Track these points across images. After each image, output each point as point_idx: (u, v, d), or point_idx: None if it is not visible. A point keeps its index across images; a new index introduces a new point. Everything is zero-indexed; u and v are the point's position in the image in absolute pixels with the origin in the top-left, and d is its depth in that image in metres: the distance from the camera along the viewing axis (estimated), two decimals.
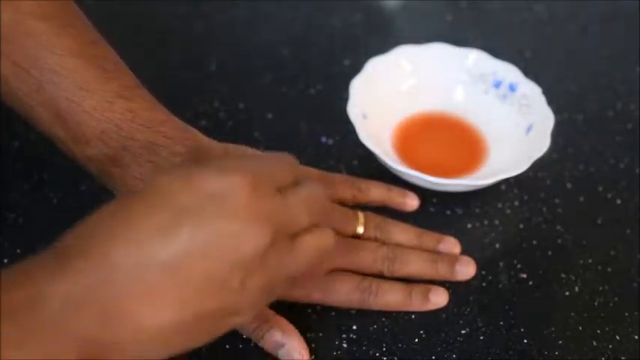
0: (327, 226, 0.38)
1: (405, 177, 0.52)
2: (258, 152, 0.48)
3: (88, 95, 0.42)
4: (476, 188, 0.53)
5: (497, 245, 0.52)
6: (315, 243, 0.37)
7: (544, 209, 0.54)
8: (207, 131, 0.47)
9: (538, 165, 0.53)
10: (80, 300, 0.31)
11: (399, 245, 0.49)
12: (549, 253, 0.51)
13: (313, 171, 0.50)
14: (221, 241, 0.33)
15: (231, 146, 0.47)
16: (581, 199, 0.55)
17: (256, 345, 0.45)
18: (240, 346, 0.45)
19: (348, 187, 0.50)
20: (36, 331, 0.30)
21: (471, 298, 0.48)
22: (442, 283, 0.48)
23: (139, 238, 0.32)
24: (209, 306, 0.33)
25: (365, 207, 0.50)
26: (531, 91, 0.56)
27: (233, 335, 0.45)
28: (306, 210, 0.37)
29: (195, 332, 0.34)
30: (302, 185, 0.37)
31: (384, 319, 0.47)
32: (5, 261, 0.48)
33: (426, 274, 0.48)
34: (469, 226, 0.52)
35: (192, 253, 0.32)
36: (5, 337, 0.29)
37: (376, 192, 0.51)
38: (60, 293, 0.31)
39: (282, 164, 0.37)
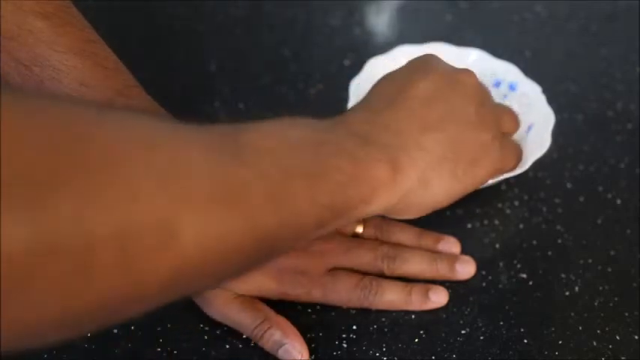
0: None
1: None
2: None
3: (88, 92, 0.42)
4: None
5: (497, 245, 0.52)
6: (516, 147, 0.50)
7: (544, 209, 0.54)
8: None
9: (538, 165, 0.52)
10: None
11: (398, 244, 0.49)
12: (549, 253, 0.51)
13: None
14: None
15: None
16: (581, 199, 0.55)
17: (256, 345, 0.45)
18: (240, 346, 0.45)
19: None
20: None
21: (470, 298, 0.48)
22: (442, 283, 0.48)
23: (410, 94, 0.43)
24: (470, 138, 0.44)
25: None
26: (531, 90, 0.56)
27: (233, 335, 0.45)
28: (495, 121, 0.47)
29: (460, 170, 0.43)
30: None
31: (384, 319, 0.47)
32: None
33: (425, 274, 0.48)
34: (469, 226, 0.52)
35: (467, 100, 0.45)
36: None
37: None
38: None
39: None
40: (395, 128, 0.41)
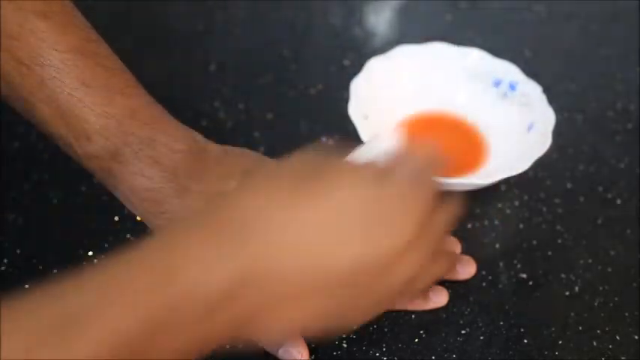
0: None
1: None
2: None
3: (89, 91, 0.42)
4: (476, 188, 0.53)
5: (497, 245, 0.52)
6: (444, 264, 0.41)
7: (544, 209, 0.54)
8: (207, 131, 0.47)
9: (538, 165, 0.52)
10: (244, 278, 0.32)
11: None
12: (549, 253, 0.51)
13: None
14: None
15: (229, 148, 0.47)
16: (581, 199, 0.55)
17: (256, 345, 0.45)
18: (240, 346, 0.45)
19: None
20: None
21: (471, 298, 0.48)
22: (442, 283, 0.48)
23: (313, 214, 0.34)
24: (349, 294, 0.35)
25: None
26: (531, 90, 0.56)
27: None
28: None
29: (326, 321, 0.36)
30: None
31: (384, 319, 0.47)
32: (5, 261, 0.48)
33: None
34: (469, 226, 0.52)
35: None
36: (162, 326, 0.30)
37: None
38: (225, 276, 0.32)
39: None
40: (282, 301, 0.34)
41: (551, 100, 0.55)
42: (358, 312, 0.38)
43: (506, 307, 0.48)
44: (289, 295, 0.34)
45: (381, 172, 0.37)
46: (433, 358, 0.45)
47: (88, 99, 0.42)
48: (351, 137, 0.54)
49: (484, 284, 0.49)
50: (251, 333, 0.35)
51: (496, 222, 0.53)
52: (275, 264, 0.33)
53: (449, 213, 0.40)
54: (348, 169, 0.37)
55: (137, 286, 0.31)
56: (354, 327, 0.39)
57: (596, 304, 0.48)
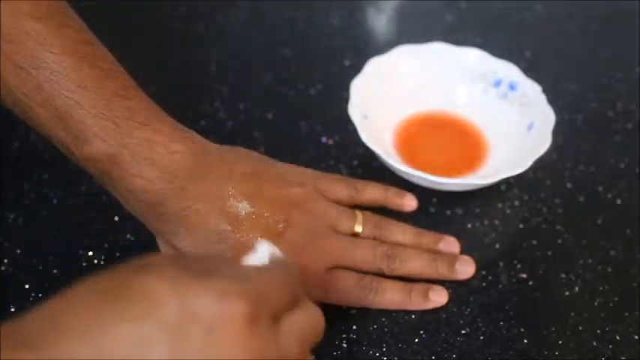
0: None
1: (406, 176, 0.52)
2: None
3: (86, 93, 0.42)
4: (476, 187, 0.53)
5: (497, 245, 0.52)
6: None
7: (544, 209, 0.54)
8: (207, 131, 0.47)
9: (538, 165, 0.53)
10: None
11: (398, 244, 0.49)
12: (549, 253, 0.51)
13: (315, 173, 0.50)
14: None
15: (228, 148, 0.47)
16: (581, 199, 0.55)
17: None
18: None
19: (345, 187, 0.50)
20: None
21: (471, 298, 0.48)
22: (442, 283, 0.48)
23: (107, 346, 0.28)
24: None
25: (365, 208, 0.50)
26: (531, 90, 0.56)
27: None
28: (298, 342, 0.33)
29: None
30: (298, 311, 0.34)
31: (384, 319, 0.47)
32: (5, 261, 0.48)
33: (425, 273, 0.48)
34: (469, 226, 0.52)
35: None
36: None
37: (373, 192, 0.51)
38: None
39: (283, 283, 0.34)
40: None
41: (551, 100, 0.55)
42: None
43: (506, 307, 0.48)
44: None
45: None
46: (433, 358, 0.45)
47: (85, 101, 0.42)
48: (351, 137, 0.54)
49: (484, 284, 0.49)
50: None
51: (496, 222, 0.53)
52: None
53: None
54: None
55: None
56: None
57: (596, 304, 0.48)
